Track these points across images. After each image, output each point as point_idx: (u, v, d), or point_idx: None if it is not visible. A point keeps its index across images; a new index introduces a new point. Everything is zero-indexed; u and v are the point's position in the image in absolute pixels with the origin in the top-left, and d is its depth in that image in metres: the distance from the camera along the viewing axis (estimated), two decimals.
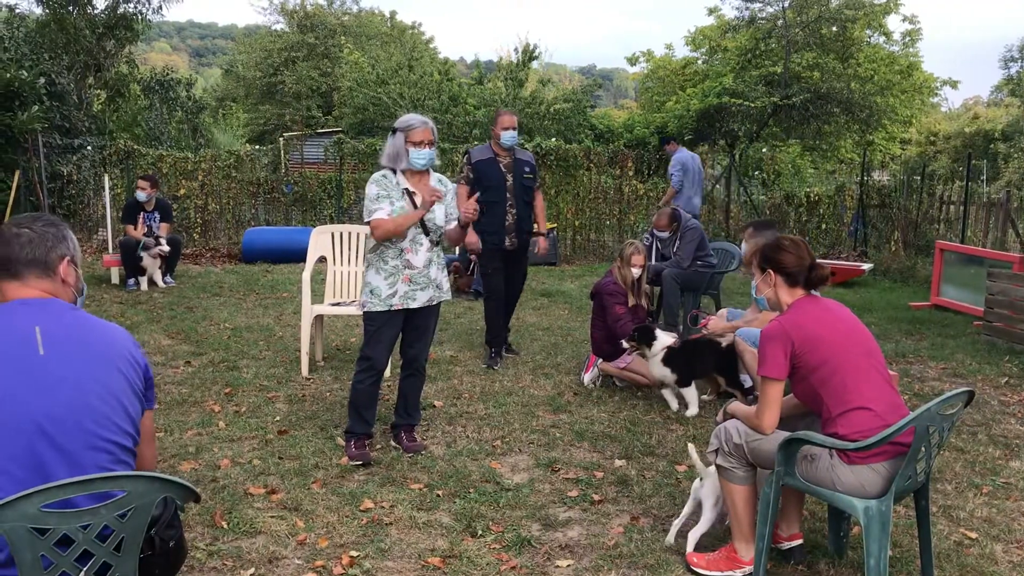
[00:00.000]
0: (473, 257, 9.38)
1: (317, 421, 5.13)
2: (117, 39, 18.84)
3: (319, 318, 6.51)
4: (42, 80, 13.64)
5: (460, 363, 6.59)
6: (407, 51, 29.81)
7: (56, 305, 2.33)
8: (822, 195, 14.88)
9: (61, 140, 13.88)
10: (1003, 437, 5.10)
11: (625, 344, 5.58)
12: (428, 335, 4.69)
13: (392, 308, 4.45)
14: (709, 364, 5.60)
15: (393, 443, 4.74)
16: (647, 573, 3.37)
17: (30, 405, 2.14)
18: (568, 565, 3.42)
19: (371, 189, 4.45)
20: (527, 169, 6.48)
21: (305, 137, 22.85)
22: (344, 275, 6.59)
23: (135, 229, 9.77)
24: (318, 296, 6.61)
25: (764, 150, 20.18)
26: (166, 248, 9.69)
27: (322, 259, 6.58)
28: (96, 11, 18.45)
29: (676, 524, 3.61)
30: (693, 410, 5.43)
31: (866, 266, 11.83)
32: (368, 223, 4.44)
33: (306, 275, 6.24)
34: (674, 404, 5.55)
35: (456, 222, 4.60)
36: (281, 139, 22.54)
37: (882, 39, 25.21)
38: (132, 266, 9.65)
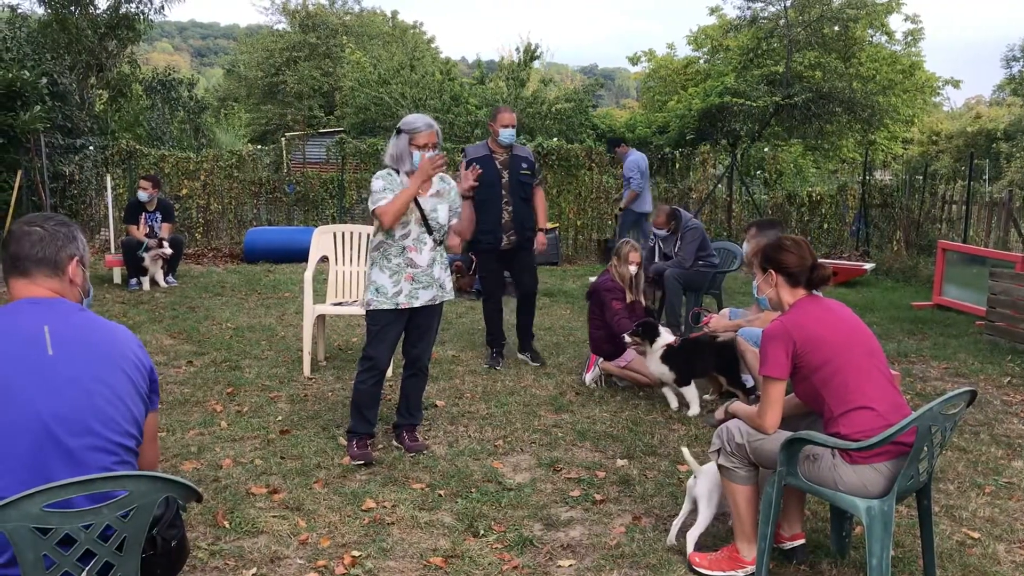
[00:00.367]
0: (475, 257, 9.38)
1: (319, 421, 5.13)
2: (119, 39, 18.85)
3: (321, 318, 6.51)
4: (44, 80, 13.65)
5: (462, 363, 6.59)
6: (409, 51, 29.83)
7: (64, 305, 2.34)
8: (824, 195, 14.88)
9: (63, 140, 13.89)
10: (1005, 437, 5.10)
11: (628, 338, 5.58)
12: (431, 335, 4.69)
13: (398, 306, 4.45)
14: (708, 363, 5.60)
15: (395, 443, 4.74)
16: (649, 573, 3.37)
17: (38, 405, 2.15)
18: (570, 565, 3.42)
19: (376, 183, 4.43)
20: (524, 165, 6.38)
21: (307, 137, 22.83)
22: (346, 275, 6.59)
23: (137, 229, 9.78)
24: (320, 296, 6.61)
25: (766, 149, 20.17)
26: (168, 251, 9.70)
27: (324, 259, 6.58)
28: (98, 11, 18.46)
29: (676, 524, 3.61)
30: (694, 409, 5.42)
31: (868, 266, 11.83)
32: (373, 212, 4.39)
33: (308, 275, 6.24)
34: (674, 403, 5.55)
35: (456, 217, 4.61)
36: (283, 139, 22.54)
37: (884, 38, 25.23)
38: (134, 266, 9.66)
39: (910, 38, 25.73)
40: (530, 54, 22.67)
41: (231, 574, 3.30)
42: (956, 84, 27.49)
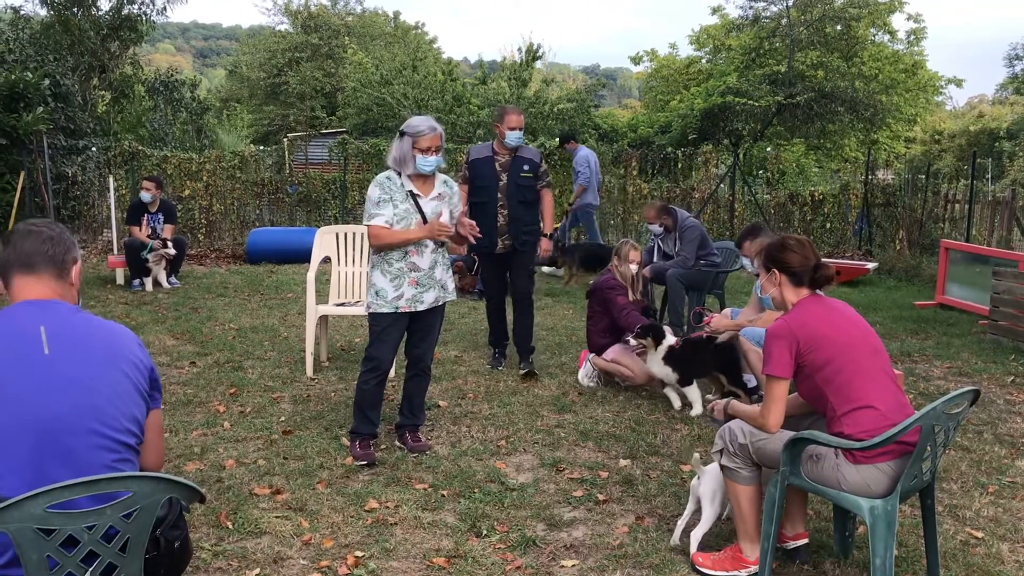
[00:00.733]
0: (477, 258, 9.38)
1: (322, 421, 5.13)
2: (121, 40, 18.90)
3: (324, 318, 6.51)
4: (47, 81, 13.66)
5: (464, 363, 6.59)
6: (411, 51, 29.83)
7: (61, 307, 2.35)
8: (826, 194, 14.85)
9: (66, 141, 13.91)
10: (1009, 436, 5.09)
11: (633, 341, 5.57)
12: (433, 335, 4.69)
13: (399, 310, 4.45)
14: (710, 363, 5.60)
15: (398, 443, 4.74)
16: (652, 573, 3.37)
17: (36, 404, 2.16)
18: (573, 565, 3.42)
19: (373, 192, 4.43)
20: (526, 167, 6.20)
21: (309, 138, 22.85)
22: (348, 275, 6.59)
23: (139, 230, 9.79)
24: (323, 296, 6.61)
25: (768, 149, 20.16)
26: (172, 252, 9.71)
27: (327, 259, 6.58)
28: (100, 12, 18.52)
29: (680, 524, 3.61)
30: (697, 409, 5.42)
31: (871, 265, 11.81)
32: (367, 227, 4.43)
33: (311, 275, 6.24)
34: (677, 403, 5.55)
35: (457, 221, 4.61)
36: (285, 140, 22.55)
37: (886, 37, 25.21)
38: (137, 267, 9.66)
39: (912, 37, 25.72)
40: (532, 54, 22.67)
41: (234, 575, 3.30)
42: (959, 83, 27.51)
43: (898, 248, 13.32)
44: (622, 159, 15.31)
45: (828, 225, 14.59)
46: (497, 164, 6.20)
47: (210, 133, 23.76)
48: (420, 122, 4.44)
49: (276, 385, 5.92)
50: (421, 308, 4.49)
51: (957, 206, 13.84)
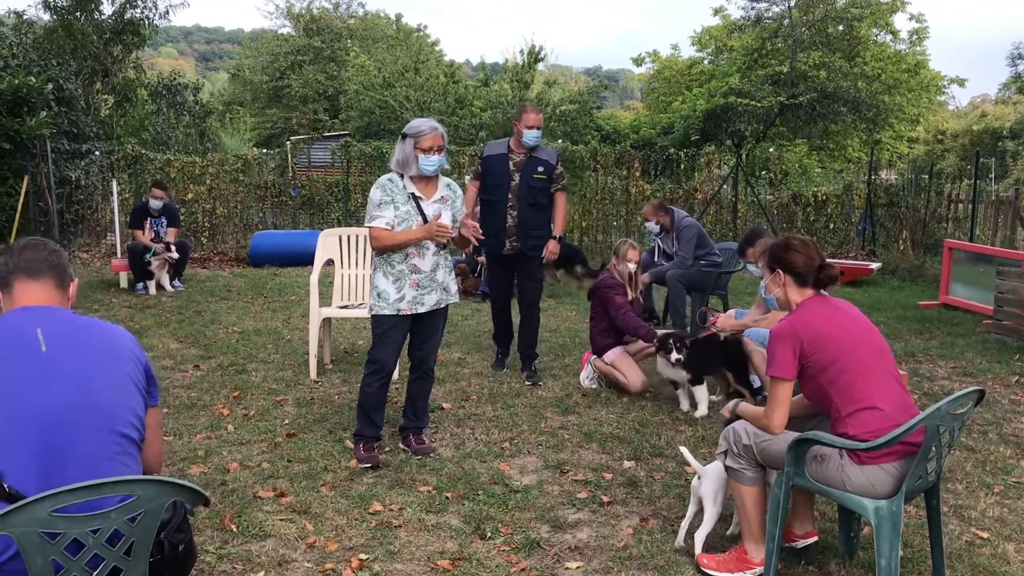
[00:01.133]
0: (481, 259, 9.36)
1: (326, 424, 5.13)
2: (124, 44, 18.94)
3: (327, 321, 6.52)
4: (50, 86, 13.69)
5: (468, 365, 6.59)
6: (413, 54, 29.87)
7: (58, 311, 2.43)
8: (830, 194, 14.85)
9: (69, 145, 13.93)
10: (1014, 436, 5.08)
11: (674, 357, 5.45)
12: (436, 337, 4.69)
13: (400, 312, 4.45)
14: (717, 360, 5.61)
15: (402, 445, 4.73)
16: (657, 575, 3.37)
17: (36, 398, 2.20)
18: (578, 567, 3.42)
19: (375, 194, 4.44)
20: (540, 169, 6.00)
21: (312, 140, 22.85)
22: (352, 278, 6.60)
23: (143, 234, 9.80)
24: (326, 299, 6.61)
25: (771, 150, 20.14)
26: (175, 255, 9.73)
27: (330, 262, 6.58)
28: (103, 17, 18.55)
29: (684, 525, 3.61)
30: (702, 410, 5.42)
31: (874, 265, 11.80)
32: (369, 229, 4.44)
33: (314, 278, 6.25)
34: (685, 405, 5.55)
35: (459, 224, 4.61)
36: (288, 143, 22.57)
37: (889, 37, 25.17)
38: (140, 270, 9.68)
39: (915, 37, 25.67)
40: (534, 56, 22.65)
41: None
42: (961, 83, 27.45)
43: (902, 248, 13.31)
44: (624, 160, 15.30)
45: (831, 225, 14.58)
46: (511, 163, 6.04)
47: (213, 136, 23.81)
48: (421, 123, 4.45)
49: (280, 388, 5.92)
50: (423, 310, 4.49)
51: (960, 206, 13.82)
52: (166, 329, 7.75)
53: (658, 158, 17.40)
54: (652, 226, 7.70)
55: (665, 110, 25.24)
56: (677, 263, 7.45)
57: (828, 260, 3.30)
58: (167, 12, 19.04)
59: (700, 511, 3.53)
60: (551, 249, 6.20)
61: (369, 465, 4.41)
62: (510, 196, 6.00)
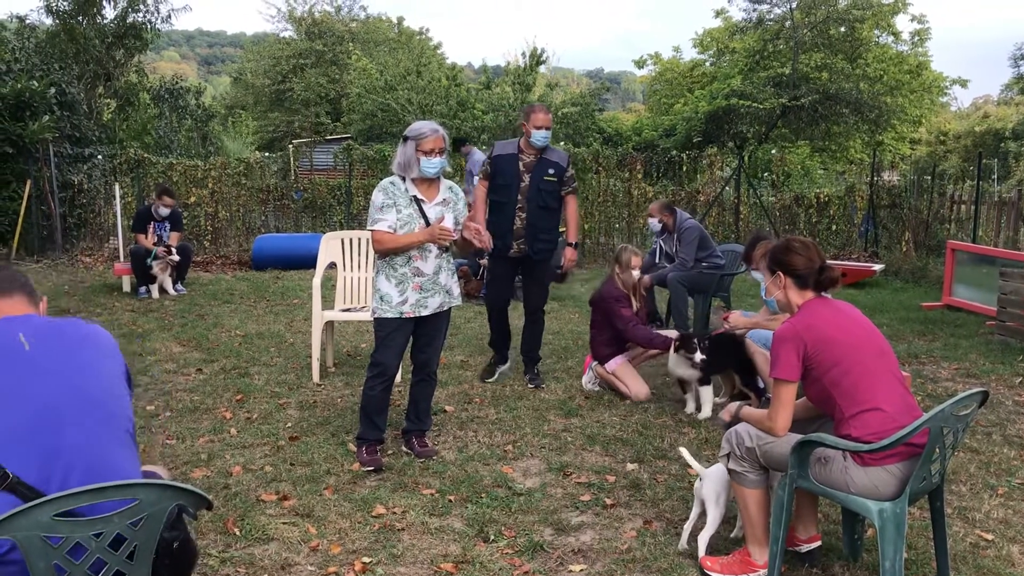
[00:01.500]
0: (483, 262, 9.36)
1: (328, 427, 5.13)
2: (126, 48, 18.98)
3: (330, 324, 6.52)
4: (52, 90, 13.73)
5: (471, 368, 6.58)
6: (415, 57, 29.86)
7: (33, 317, 2.49)
8: (832, 196, 14.82)
9: (72, 149, 13.97)
10: (1018, 437, 5.07)
11: (698, 357, 5.42)
12: (439, 340, 4.69)
13: (403, 315, 4.45)
14: (727, 360, 5.58)
15: (404, 448, 4.73)
16: None
17: (28, 391, 2.24)
18: (581, 570, 3.41)
19: (377, 197, 4.45)
20: (550, 171, 5.84)
21: (314, 144, 22.91)
22: (354, 281, 6.60)
23: (145, 238, 9.82)
24: (328, 302, 6.62)
25: (773, 151, 20.14)
26: (176, 258, 9.74)
27: (332, 265, 6.59)
28: (105, 21, 18.59)
29: (687, 528, 3.60)
30: (706, 412, 5.41)
31: (877, 267, 11.78)
32: (371, 232, 4.44)
33: (316, 281, 6.25)
34: (691, 406, 5.54)
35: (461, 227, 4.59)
36: (290, 146, 22.62)
37: (891, 39, 25.17)
38: (143, 274, 9.69)
39: (917, 38, 25.67)
40: (536, 58, 22.69)
41: None
42: (963, 84, 27.42)
43: (904, 249, 13.29)
44: (627, 162, 15.30)
45: (834, 227, 14.56)
46: (521, 164, 5.87)
47: (215, 140, 23.83)
48: (422, 125, 4.45)
49: (282, 391, 5.92)
50: (426, 313, 4.49)
51: (963, 207, 13.80)
52: (169, 333, 7.76)
53: (660, 160, 17.40)
54: (655, 224, 7.69)
55: (667, 112, 25.27)
56: (678, 265, 7.45)
57: (830, 262, 3.29)
58: (169, 16, 19.09)
59: (703, 513, 3.53)
60: (569, 258, 6.15)
61: (372, 468, 4.40)
62: (519, 198, 5.86)
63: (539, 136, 5.80)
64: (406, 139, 4.44)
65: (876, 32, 24.65)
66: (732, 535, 3.67)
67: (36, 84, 13.23)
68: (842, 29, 23.86)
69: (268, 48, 38.49)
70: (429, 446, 4.72)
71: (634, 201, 14.61)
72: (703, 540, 3.44)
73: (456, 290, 4.69)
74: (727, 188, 14.97)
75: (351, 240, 6.61)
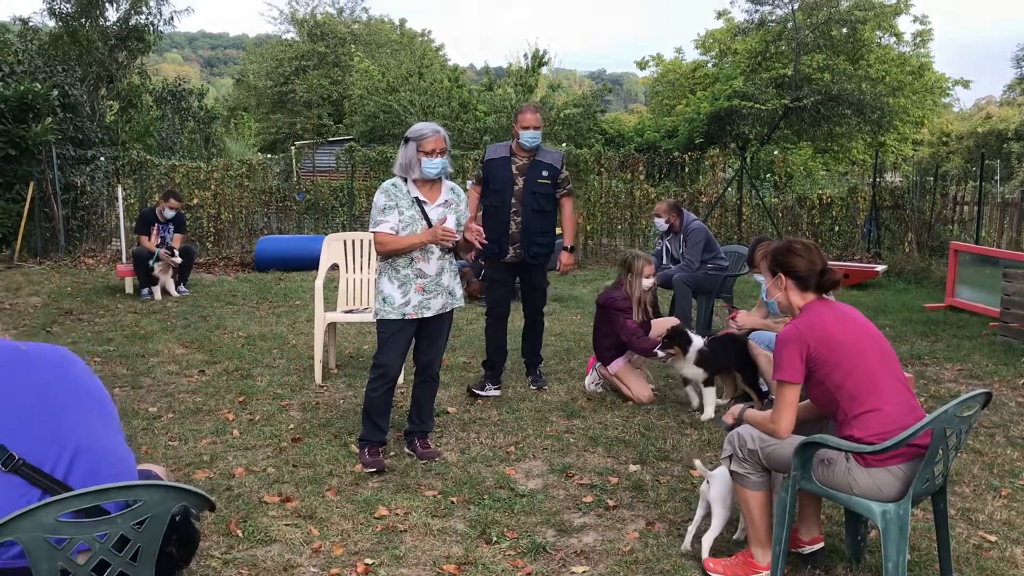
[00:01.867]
0: (484, 263, 9.33)
1: (331, 429, 5.13)
2: (129, 50, 19.03)
3: (332, 326, 6.52)
4: (55, 92, 13.75)
5: (473, 369, 6.58)
6: (417, 59, 29.93)
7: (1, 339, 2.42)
8: (834, 197, 14.82)
9: (74, 151, 13.99)
10: (1021, 439, 5.06)
11: (661, 353, 5.50)
12: (441, 342, 4.68)
13: (406, 317, 4.45)
14: (730, 359, 5.58)
15: (407, 450, 4.73)
16: None
17: (20, 380, 2.23)
18: (584, 571, 3.41)
19: (379, 199, 4.45)
20: (544, 173, 5.74)
21: (316, 145, 22.92)
22: (357, 282, 6.60)
23: (148, 240, 9.83)
24: (331, 304, 6.62)
25: (775, 152, 20.13)
26: (178, 259, 9.75)
27: (335, 267, 6.59)
28: (108, 23, 18.64)
29: (691, 529, 3.60)
30: (709, 413, 5.40)
31: (880, 268, 11.78)
32: (373, 233, 4.44)
33: (319, 283, 6.25)
34: (695, 401, 5.54)
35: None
36: (293, 148, 22.62)
37: (893, 40, 25.16)
38: (146, 276, 9.71)
39: (919, 39, 25.67)
40: (538, 60, 22.71)
41: None
42: (966, 84, 27.41)
43: (907, 250, 13.29)
44: (629, 164, 15.31)
45: (836, 228, 14.55)
46: (514, 167, 5.77)
47: (218, 142, 23.88)
48: (423, 126, 4.46)
49: (285, 393, 5.92)
50: (428, 314, 4.49)
51: (966, 208, 13.80)
52: (171, 334, 7.77)
53: (662, 161, 17.40)
54: (661, 224, 7.68)
55: (669, 113, 25.26)
56: (683, 266, 7.45)
57: (832, 263, 3.29)
58: (172, 18, 19.20)
59: (708, 515, 3.52)
60: (565, 262, 6.09)
61: (374, 470, 4.40)
62: (514, 201, 5.76)
63: (528, 137, 5.70)
64: (407, 140, 4.44)
65: (878, 33, 24.65)
66: (735, 537, 3.66)
67: (39, 86, 13.26)
68: (844, 30, 23.85)
69: (270, 50, 38.57)
70: (431, 447, 4.72)
71: (636, 202, 14.62)
72: (707, 542, 3.44)
73: (459, 291, 4.69)
74: (729, 189, 14.96)
75: (353, 242, 6.61)
